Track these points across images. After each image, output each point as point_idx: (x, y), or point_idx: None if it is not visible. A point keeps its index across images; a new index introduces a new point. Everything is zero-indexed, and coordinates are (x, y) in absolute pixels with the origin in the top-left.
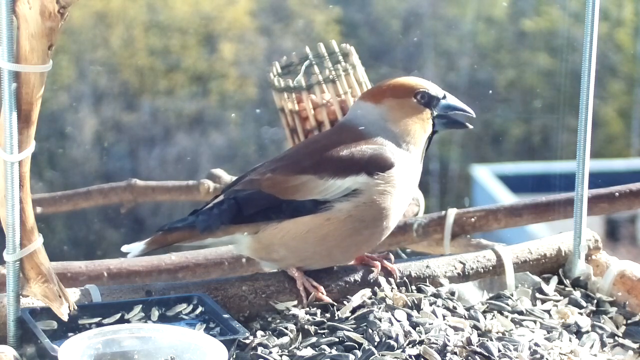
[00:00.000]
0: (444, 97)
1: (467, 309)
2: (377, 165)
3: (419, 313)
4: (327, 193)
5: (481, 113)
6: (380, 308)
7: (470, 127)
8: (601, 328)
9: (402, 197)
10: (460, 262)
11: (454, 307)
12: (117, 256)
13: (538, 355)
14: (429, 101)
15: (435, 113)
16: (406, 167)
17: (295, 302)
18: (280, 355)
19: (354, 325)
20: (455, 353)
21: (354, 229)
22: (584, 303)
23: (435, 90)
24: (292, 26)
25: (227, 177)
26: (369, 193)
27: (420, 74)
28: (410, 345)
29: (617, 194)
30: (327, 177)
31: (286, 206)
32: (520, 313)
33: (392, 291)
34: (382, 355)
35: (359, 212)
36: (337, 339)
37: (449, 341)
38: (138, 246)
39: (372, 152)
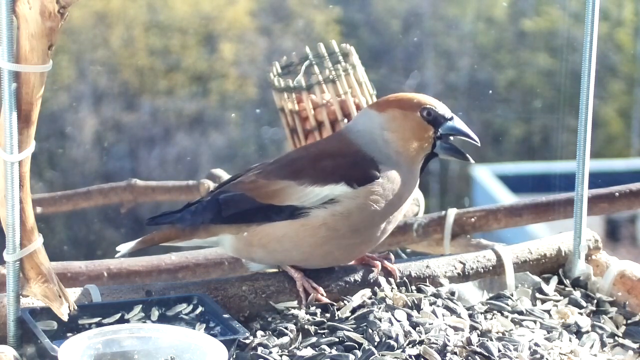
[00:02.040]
0: (451, 119)
1: (467, 309)
2: (357, 177)
3: (419, 313)
4: (305, 200)
5: (481, 113)
6: (380, 308)
7: (472, 161)
8: (601, 328)
9: (383, 211)
10: (460, 262)
11: (454, 307)
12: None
13: (538, 355)
14: (434, 119)
15: (439, 133)
16: (393, 182)
17: (295, 303)
18: (280, 355)
19: (354, 325)
20: (455, 353)
21: (327, 237)
22: (584, 303)
23: (442, 109)
24: (292, 26)
25: (227, 177)
26: (346, 203)
27: (420, 74)
28: (410, 345)
29: (617, 194)
30: (307, 184)
31: (265, 210)
32: (520, 313)
33: (392, 291)
34: (382, 355)
35: (334, 221)
36: (337, 339)
37: (449, 341)
38: (128, 245)
39: (355, 163)
